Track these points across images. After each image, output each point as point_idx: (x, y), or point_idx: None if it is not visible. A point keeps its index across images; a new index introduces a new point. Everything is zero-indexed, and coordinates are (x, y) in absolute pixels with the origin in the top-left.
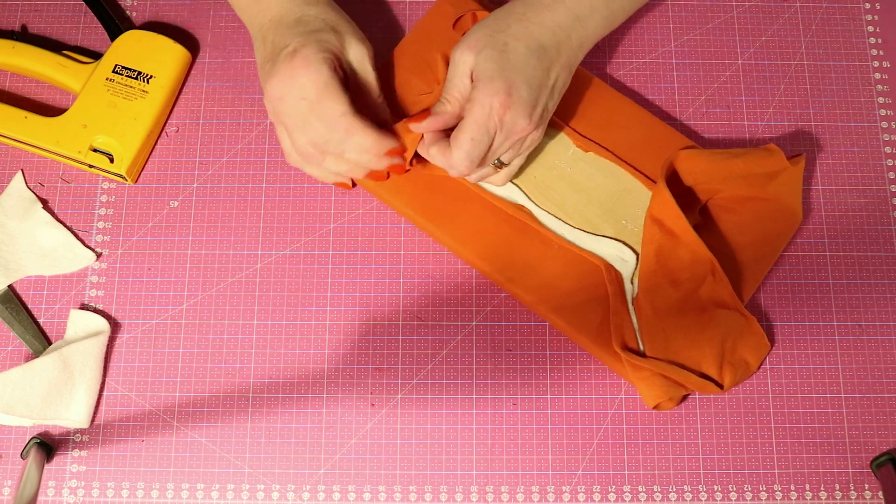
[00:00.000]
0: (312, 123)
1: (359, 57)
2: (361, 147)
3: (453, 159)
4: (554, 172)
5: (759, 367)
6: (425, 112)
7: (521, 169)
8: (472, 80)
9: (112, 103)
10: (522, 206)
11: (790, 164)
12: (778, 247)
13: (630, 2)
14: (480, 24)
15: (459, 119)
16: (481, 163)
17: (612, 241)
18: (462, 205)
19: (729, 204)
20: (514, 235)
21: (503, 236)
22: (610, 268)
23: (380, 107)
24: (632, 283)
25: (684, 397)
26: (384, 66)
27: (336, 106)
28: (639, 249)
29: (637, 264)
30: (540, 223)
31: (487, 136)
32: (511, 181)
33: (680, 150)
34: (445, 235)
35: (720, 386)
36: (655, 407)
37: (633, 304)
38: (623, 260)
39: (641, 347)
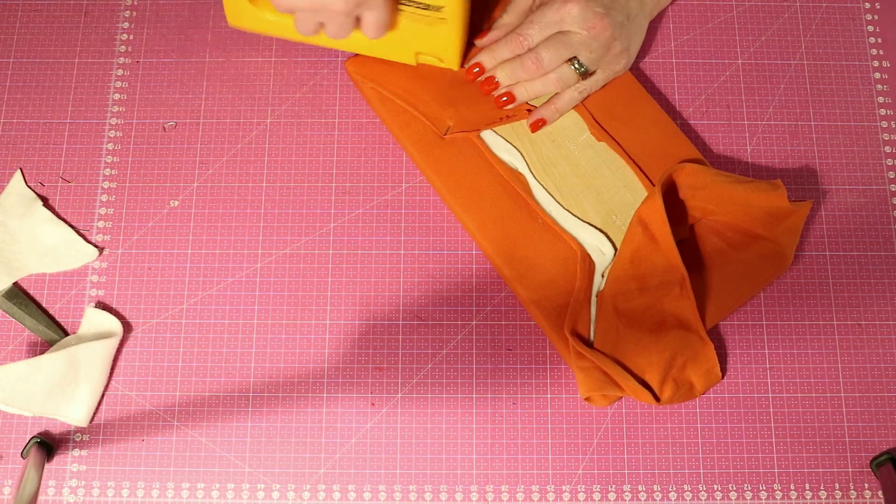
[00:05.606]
0: None
1: None
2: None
3: (504, 17)
4: (561, 151)
5: (703, 393)
6: (487, 28)
7: (531, 140)
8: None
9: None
10: (520, 174)
11: (793, 206)
12: (759, 284)
13: None
14: None
15: None
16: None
17: (597, 231)
18: (464, 159)
19: (720, 228)
20: (505, 199)
21: (493, 196)
22: (585, 255)
23: None
24: (602, 276)
25: (619, 399)
26: None
27: None
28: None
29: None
30: (531, 195)
31: (539, 12)
32: (516, 148)
33: (684, 161)
34: (441, 184)
35: (657, 399)
36: (587, 399)
37: (596, 296)
38: (601, 252)
39: (591, 338)
